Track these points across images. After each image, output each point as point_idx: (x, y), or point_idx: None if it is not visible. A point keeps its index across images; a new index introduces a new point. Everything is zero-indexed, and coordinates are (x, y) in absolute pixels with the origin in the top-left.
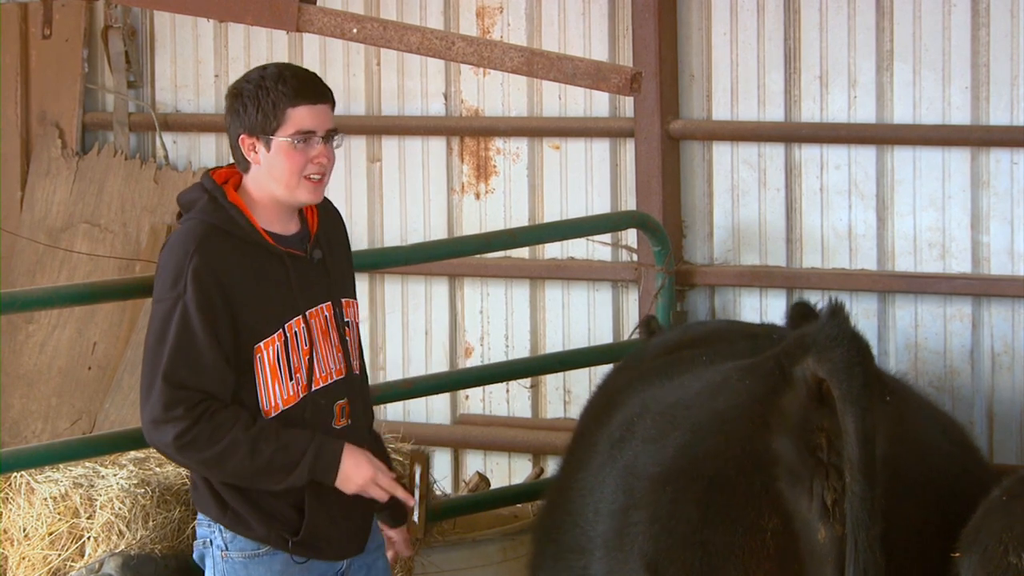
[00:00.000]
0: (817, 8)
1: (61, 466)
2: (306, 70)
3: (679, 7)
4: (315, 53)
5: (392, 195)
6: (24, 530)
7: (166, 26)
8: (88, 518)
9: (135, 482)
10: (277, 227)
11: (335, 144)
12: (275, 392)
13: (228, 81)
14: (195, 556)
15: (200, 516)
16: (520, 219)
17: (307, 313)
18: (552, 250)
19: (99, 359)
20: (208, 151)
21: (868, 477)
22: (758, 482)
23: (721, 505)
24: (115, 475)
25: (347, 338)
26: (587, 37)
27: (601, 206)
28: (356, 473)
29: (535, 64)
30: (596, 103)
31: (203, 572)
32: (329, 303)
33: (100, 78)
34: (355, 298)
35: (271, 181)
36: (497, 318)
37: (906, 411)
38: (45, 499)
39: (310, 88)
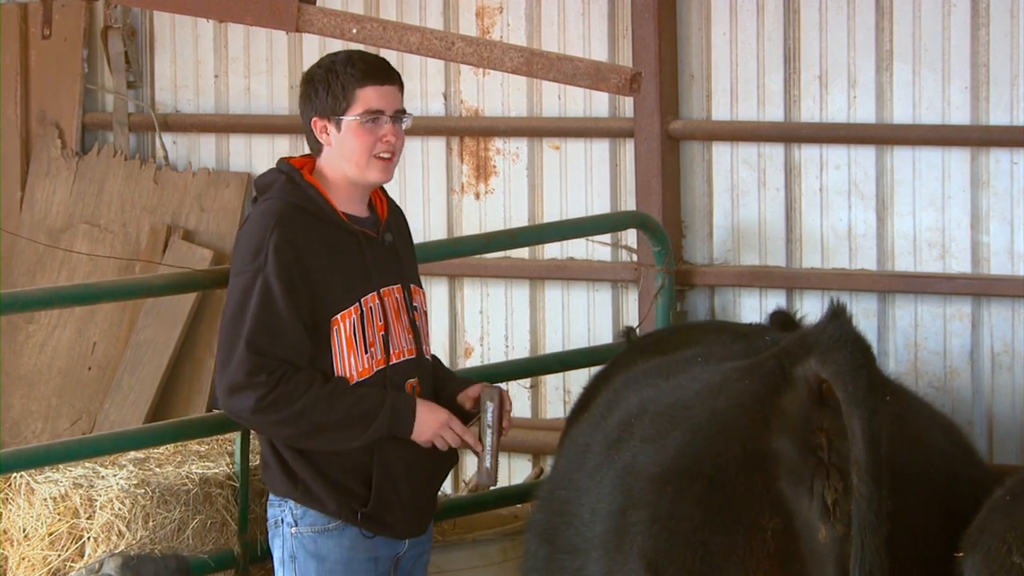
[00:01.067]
0: (817, 8)
1: (61, 466)
2: (375, 55)
3: (679, 7)
4: (315, 53)
5: (392, 195)
6: (24, 530)
7: (166, 26)
8: (88, 518)
9: (135, 482)
10: (351, 209)
11: (404, 124)
12: (350, 363)
13: (228, 81)
14: (270, 538)
15: (271, 497)
16: (520, 219)
17: (381, 291)
18: (552, 250)
19: (99, 359)
20: (208, 151)
21: (875, 479)
22: (759, 482)
23: (722, 505)
24: (115, 475)
25: (416, 322)
26: (587, 37)
27: (601, 206)
28: (431, 418)
29: (535, 64)
30: (596, 103)
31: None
32: (399, 285)
33: (100, 78)
34: (422, 288)
35: (343, 161)
36: (497, 318)
37: (907, 411)
38: (45, 499)
39: (377, 70)
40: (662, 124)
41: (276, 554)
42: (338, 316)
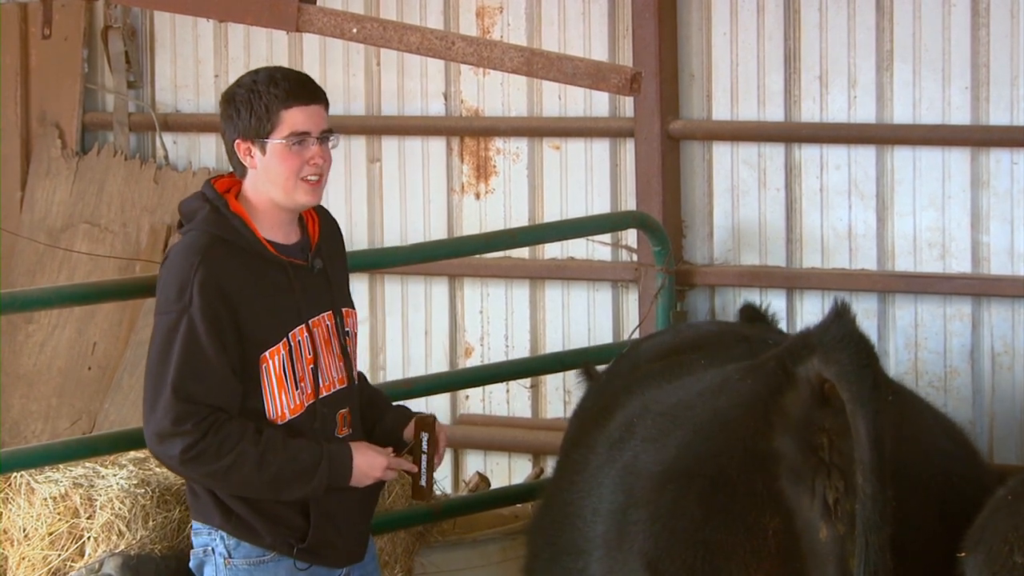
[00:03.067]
0: (817, 8)
1: (61, 466)
2: (298, 72)
3: (679, 7)
4: (315, 53)
5: (392, 195)
6: (24, 530)
7: (166, 26)
8: (88, 518)
9: (135, 482)
10: (279, 236)
11: (331, 144)
12: (282, 401)
13: (228, 81)
14: (192, 565)
15: (197, 524)
16: (520, 219)
17: (310, 322)
18: (552, 250)
19: (99, 359)
20: (208, 151)
21: (880, 478)
22: (760, 481)
23: (723, 504)
24: (115, 475)
25: (348, 348)
26: (587, 37)
27: (601, 206)
28: (370, 467)
29: (535, 64)
30: (596, 103)
31: None
32: (331, 312)
33: (100, 78)
34: (354, 308)
35: (269, 184)
36: (497, 318)
37: (908, 411)
38: (45, 499)
39: (302, 89)
40: (662, 124)
41: None
42: (267, 353)
